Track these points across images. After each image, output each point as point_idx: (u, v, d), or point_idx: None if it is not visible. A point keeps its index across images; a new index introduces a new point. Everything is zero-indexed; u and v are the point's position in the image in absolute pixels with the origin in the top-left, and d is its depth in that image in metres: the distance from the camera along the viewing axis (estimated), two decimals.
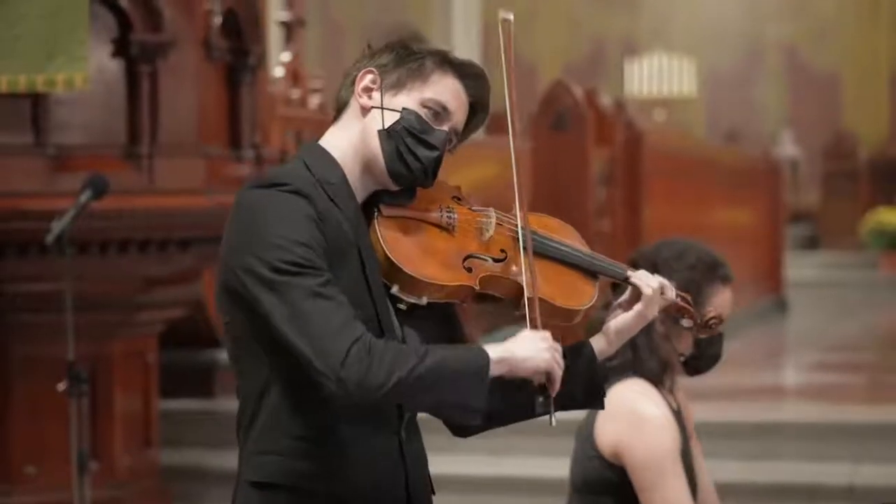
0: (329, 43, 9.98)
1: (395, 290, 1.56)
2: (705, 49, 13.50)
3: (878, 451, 4.27)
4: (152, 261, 3.68)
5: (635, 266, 2.18)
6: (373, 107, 1.59)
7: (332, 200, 1.54)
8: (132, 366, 3.85)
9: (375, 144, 1.58)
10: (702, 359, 2.18)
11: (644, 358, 2.15)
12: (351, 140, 1.60)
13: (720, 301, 2.18)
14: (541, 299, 1.60)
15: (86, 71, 3.45)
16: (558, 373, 1.54)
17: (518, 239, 1.60)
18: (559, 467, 2.35)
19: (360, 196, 1.59)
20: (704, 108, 13.46)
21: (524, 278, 1.57)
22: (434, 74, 1.59)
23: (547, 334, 1.55)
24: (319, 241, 1.50)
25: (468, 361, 1.50)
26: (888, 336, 7.99)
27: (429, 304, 1.57)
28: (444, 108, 1.59)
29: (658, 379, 2.18)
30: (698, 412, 3.71)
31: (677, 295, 1.72)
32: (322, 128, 5.55)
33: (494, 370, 1.51)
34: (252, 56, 3.92)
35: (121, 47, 3.62)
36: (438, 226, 1.59)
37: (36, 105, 3.54)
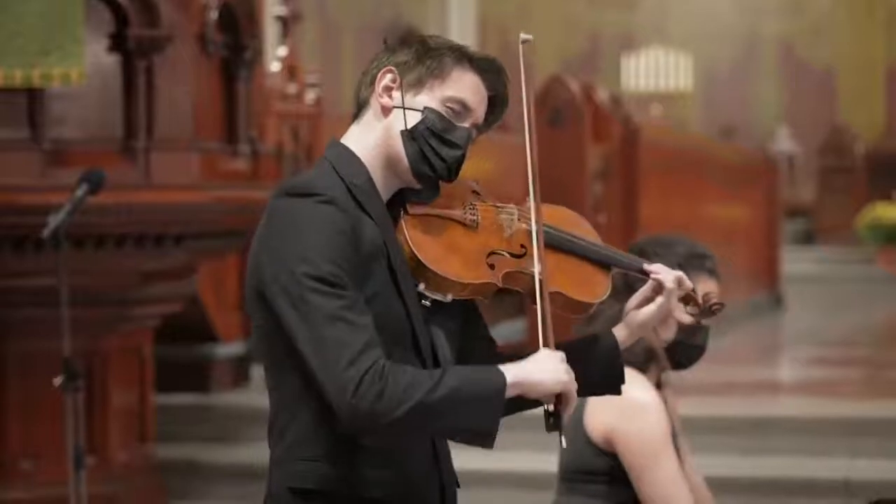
0: (325, 38, 9.97)
1: (420, 287, 1.57)
2: (702, 44, 13.50)
3: (874, 445, 4.28)
4: (148, 255, 3.68)
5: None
6: (394, 107, 1.60)
7: (359, 205, 1.55)
8: (128, 361, 3.85)
9: (399, 145, 1.59)
10: (686, 348, 2.20)
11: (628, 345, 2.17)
12: (374, 140, 1.60)
13: (704, 292, 2.20)
14: (557, 292, 1.62)
15: (82, 66, 3.45)
16: (573, 395, 1.54)
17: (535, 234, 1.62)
18: (552, 462, 2.34)
19: (385, 194, 1.61)
20: (701, 104, 13.47)
21: (536, 274, 1.59)
22: (454, 71, 1.59)
23: (562, 355, 1.55)
24: (350, 257, 1.51)
25: (484, 386, 1.50)
26: (884, 331, 8.00)
27: (453, 300, 1.59)
28: (465, 106, 1.60)
29: (643, 367, 2.19)
30: (695, 407, 3.70)
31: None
32: (318, 123, 5.53)
33: (510, 393, 1.52)
34: (248, 51, 3.92)
35: (117, 42, 3.61)
36: (462, 223, 1.61)
37: (32, 99, 3.53)
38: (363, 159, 1.60)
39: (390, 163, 1.60)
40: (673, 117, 12.66)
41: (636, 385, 2.14)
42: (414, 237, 1.57)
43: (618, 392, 1.71)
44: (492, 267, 1.59)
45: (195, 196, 3.67)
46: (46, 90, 3.52)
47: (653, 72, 13.52)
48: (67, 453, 3.09)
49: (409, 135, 1.58)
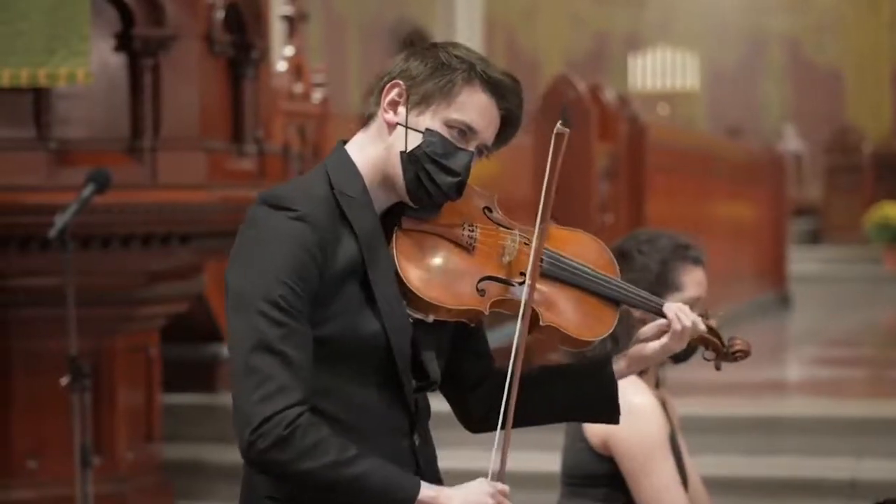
0: (332, 37, 9.96)
1: (404, 304, 1.54)
2: (708, 44, 13.47)
3: (880, 445, 4.26)
4: (155, 255, 3.67)
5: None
6: (397, 123, 1.57)
7: (344, 217, 1.52)
8: (134, 360, 3.83)
9: (397, 165, 1.56)
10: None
11: (625, 347, 2.16)
12: (375, 154, 1.58)
13: (692, 280, 2.18)
14: (552, 327, 1.56)
15: (88, 65, 3.44)
16: None
17: (537, 263, 1.55)
18: (554, 462, 2.34)
19: (382, 206, 1.58)
20: (707, 103, 13.43)
21: (521, 310, 1.52)
22: (463, 93, 1.55)
23: (503, 488, 1.50)
24: (310, 277, 1.48)
25: (392, 490, 1.45)
26: (891, 331, 7.97)
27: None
28: (471, 129, 1.56)
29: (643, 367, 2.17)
30: (699, 407, 3.68)
31: (707, 328, 1.68)
32: (325, 122, 5.50)
33: None
34: (255, 50, 3.90)
35: (123, 41, 3.60)
36: (458, 244, 1.55)
37: (38, 99, 3.52)
38: (362, 170, 1.57)
39: (388, 180, 1.57)
40: (680, 117, 12.63)
41: (633, 389, 2.13)
42: (401, 254, 1.53)
43: (616, 422, 1.67)
44: (481, 293, 1.53)
45: (201, 196, 3.66)
46: (52, 90, 3.51)
47: (659, 71, 13.48)
48: (74, 453, 3.10)
49: (408, 157, 1.55)
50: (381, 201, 1.58)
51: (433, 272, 1.53)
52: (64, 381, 3.10)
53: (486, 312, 1.55)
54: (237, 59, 3.88)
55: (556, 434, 2.25)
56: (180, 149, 3.67)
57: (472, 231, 1.57)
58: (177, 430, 4.31)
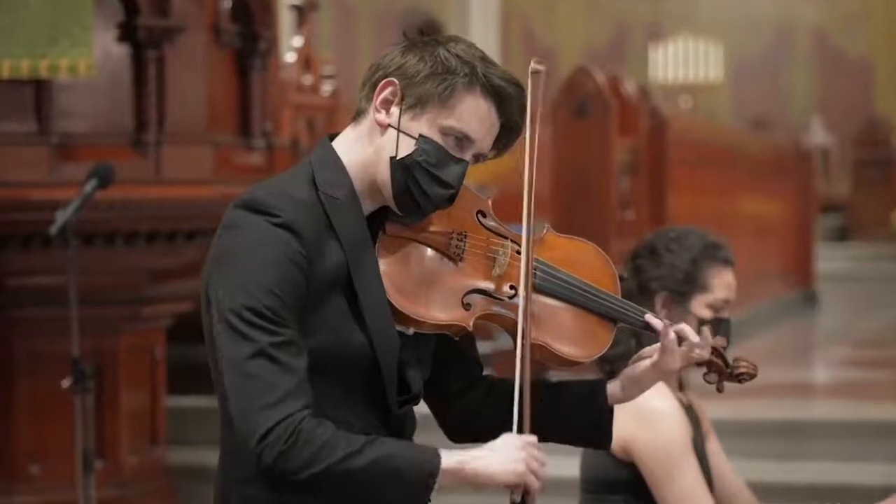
0: (342, 27, 9.90)
1: (390, 313, 1.46)
2: (732, 33, 13.31)
3: None
4: (160, 253, 3.62)
5: (636, 257, 2.10)
6: (389, 125, 1.47)
7: (328, 220, 1.44)
8: (139, 361, 3.79)
9: (387, 171, 1.47)
10: None
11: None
12: (364, 156, 1.49)
13: (721, 282, 2.13)
14: (540, 344, 1.46)
15: (91, 56, 3.43)
16: (536, 487, 1.40)
17: (528, 277, 1.45)
18: (572, 467, 2.29)
19: (370, 208, 1.49)
20: (731, 95, 13.28)
21: (518, 333, 1.43)
22: (463, 100, 1.45)
23: (531, 439, 1.42)
24: (295, 287, 1.41)
25: (413, 467, 1.38)
26: None
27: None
28: (468, 138, 1.47)
29: None
30: (726, 410, 3.54)
31: (711, 349, 1.59)
32: (334, 115, 5.40)
33: (446, 481, 1.39)
34: (262, 41, 3.88)
35: (127, 32, 3.56)
36: (444, 253, 1.47)
37: (39, 91, 3.49)
38: (350, 171, 1.48)
39: (376, 184, 1.49)
40: (702, 109, 12.49)
41: (654, 391, 2.02)
42: (383, 263, 1.45)
43: (606, 448, 1.60)
44: (467, 307, 1.45)
45: (208, 191, 3.63)
46: (54, 82, 3.48)
47: (681, 62, 13.35)
48: (76, 456, 3.07)
49: (399, 164, 1.46)
50: (368, 204, 1.49)
51: (415, 283, 1.45)
52: (66, 382, 3.07)
53: (470, 328, 1.47)
54: (244, 51, 3.87)
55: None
56: (186, 143, 3.66)
57: (461, 240, 1.48)
58: (182, 433, 4.25)
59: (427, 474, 1.37)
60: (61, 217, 3.08)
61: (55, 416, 3.52)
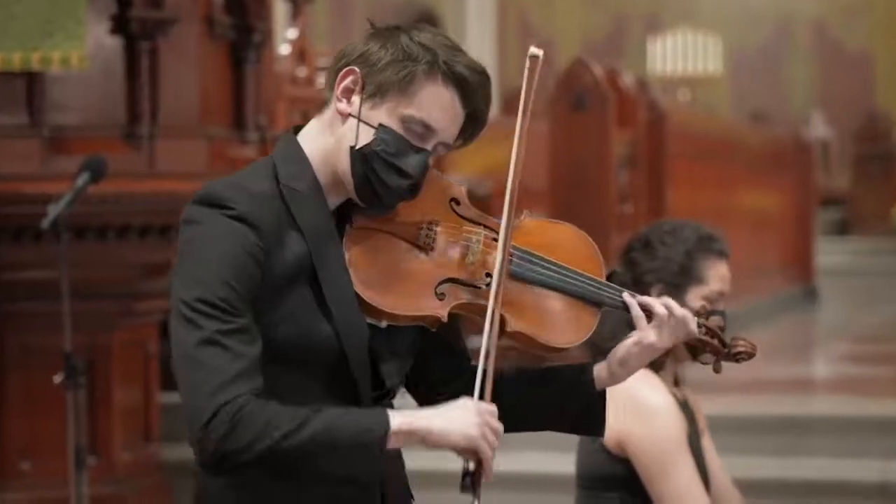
0: (337, 19, 9.85)
1: (357, 305, 1.43)
2: (732, 26, 13.26)
3: None
4: (153, 247, 3.60)
5: (630, 250, 2.09)
6: (350, 114, 1.45)
7: (290, 214, 1.42)
8: (132, 357, 3.77)
9: (347, 161, 1.44)
10: None
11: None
12: (326, 146, 1.47)
13: (716, 274, 2.12)
14: (520, 333, 1.43)
15: (83, 49, 3.42)
16: (488, 455, 1.37)
17: (505, 263, 1.42)
18: (567, 463, 2.27)
19: (336, 201, 1.47)
20: (730, 88, 13.24)
21: (489, 315, 1.39)
22: (424, 88, 1.42)
23: (491, 408, 1.38)
24: (251, 278, 1.39)
25: (361, 430, 1.35)
26: None
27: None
28: (429, 128, 1.44)
29: (659, 363, 2.08)
30: (724, 406, 3.52)
31: (700, 325, 1.56)
32: None
33: (396, 442, 1.36)
34: (257, 33, 3.86)
35: (120, 24, 3.54)
36: (414, 244, 1.44)
37: (31, 84, 3.47)
38: (313, 162, 1.46)
39: (337, 175, 1.47)
40: (701, 102, 12.45)
41: (647, 386, 2.08)
42: (350, 255, 1.42)
43: (600, 435, 1.57)
44: (441, 297, 1.41)
45: (201, 185, 3.56)
46: (46, 74, 3.47)
47: (680, 54, 13.29)
48: (69, 453, 3.05)
49: (357, 154, 1.43)
50: (334, 197, 1.47)
51: (385, 275, 1.42)
52: (58, 378, 3.04)
53: (445, 318, 1.43)
54: (238, 43, 3.86)
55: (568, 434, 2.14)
56: (179, 136, 3.63)
57: (432, 229, 1.44)
58: (176, 429, 4.20)
59: (375, 437, 1.35)
60: (53, 211, 3.06)
61: (47, 412, 3.50)
